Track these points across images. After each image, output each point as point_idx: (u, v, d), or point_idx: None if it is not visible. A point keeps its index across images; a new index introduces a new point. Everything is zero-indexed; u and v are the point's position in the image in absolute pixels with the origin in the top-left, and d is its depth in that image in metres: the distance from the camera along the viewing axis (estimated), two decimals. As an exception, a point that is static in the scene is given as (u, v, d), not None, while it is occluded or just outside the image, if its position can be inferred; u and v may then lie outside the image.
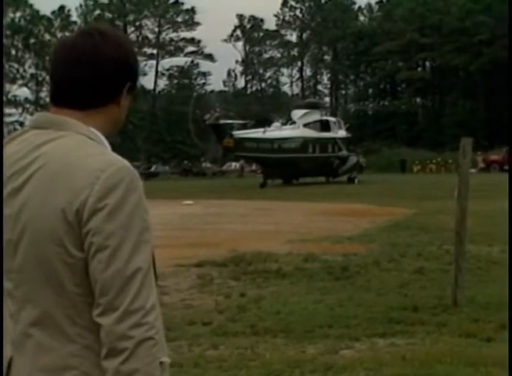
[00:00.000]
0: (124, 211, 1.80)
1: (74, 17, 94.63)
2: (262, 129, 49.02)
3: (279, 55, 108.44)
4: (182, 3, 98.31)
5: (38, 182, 1.85)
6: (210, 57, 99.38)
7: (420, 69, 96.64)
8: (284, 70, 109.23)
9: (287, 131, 49.62)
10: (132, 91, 2.04)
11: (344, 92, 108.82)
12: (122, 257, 1.78)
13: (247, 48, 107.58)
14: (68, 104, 1.96)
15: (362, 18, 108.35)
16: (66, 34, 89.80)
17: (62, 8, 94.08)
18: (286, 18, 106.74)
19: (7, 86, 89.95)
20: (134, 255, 1.79)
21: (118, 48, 1.99)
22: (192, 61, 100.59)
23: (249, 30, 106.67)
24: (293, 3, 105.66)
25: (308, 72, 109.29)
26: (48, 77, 2.06)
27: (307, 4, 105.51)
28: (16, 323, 1.89)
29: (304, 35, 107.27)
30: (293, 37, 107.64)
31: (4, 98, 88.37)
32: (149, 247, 1.84)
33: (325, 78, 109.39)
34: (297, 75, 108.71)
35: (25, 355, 1.88)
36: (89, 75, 1.95)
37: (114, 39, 2.01)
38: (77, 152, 1.86)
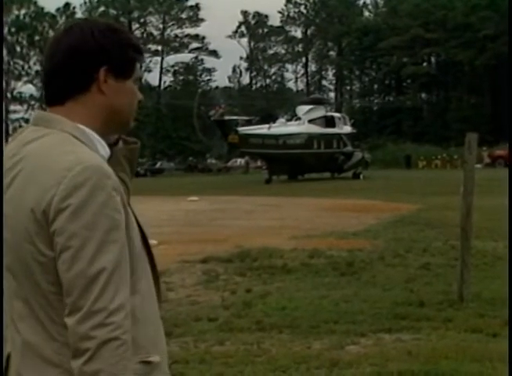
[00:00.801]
0: (89, 211, 1.78)
1: (79, 14, 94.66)
2: (267, 125, 49.01)
3: (283, 51, 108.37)
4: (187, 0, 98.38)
5: (19, 181, 1.87)
6: (214, 53, 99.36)
7: (425, 64, 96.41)
8: (289, 66, 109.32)
9: (292, 127, 49.63)
10: (123, 75, 1.98)
11: (349, 87, 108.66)
12: (85, 257, 1.77)
13: (252, 44, 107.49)
14: (50, 103, 1.98)
15: (366, 13, 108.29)
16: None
17: (67, 5, 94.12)
18: (291, 14, 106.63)
19: (12, 83, 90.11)
20: (98, 255, 1.77)
21: (79, 35, 1.95)
22: (196, 57, 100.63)
23: (253, 26, 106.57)
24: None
25: (312, 68, 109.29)
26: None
27: (311, 0, 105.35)
28: (11, 321, 1.92)
29: (309, 31, 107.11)
30: (297, 33, 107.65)
31: (9, 95, 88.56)
32: (119, 246, 1.81)
33: (330, 74, 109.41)
34: (302, 71, 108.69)
35: (16, 351, 1.91)
36: (50, 67, 1.97)
37: (80, 26, 1.98)
38: (52, 151, 1.86)
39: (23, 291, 1.88)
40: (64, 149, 1.86)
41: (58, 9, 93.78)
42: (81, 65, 1.94)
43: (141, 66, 2.14)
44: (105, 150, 1.98)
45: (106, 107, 1.97)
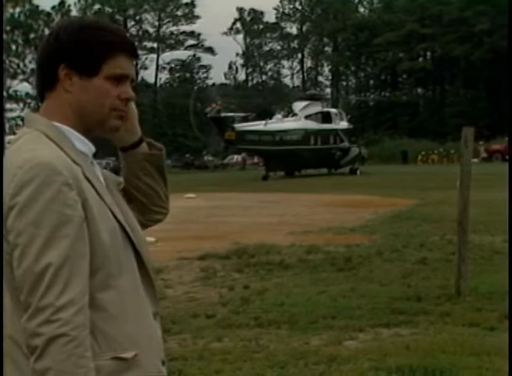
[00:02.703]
0: (35, 208, 1.79)
1: (74, 12, 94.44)
2: (264, 122, 48.96)
3: (279, 47, 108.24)
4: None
5: None
6: (210, 50, 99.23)
7: (420, 59, 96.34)
8: (285, 63, 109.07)
9: (289, 124, 49.56)
10: (86, 73, 1.96)
11: (345, 83, 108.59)
12: (31, 254, 1.78)
13: (248, 40, 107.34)
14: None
15: (362, 9, 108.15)
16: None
17: (62, 3, 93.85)
18: (286, 10, 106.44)
19: (8, 81, 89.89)
20: (44, 252, 1.78)
21: (48, 35, 2.01)
22: (194, 55, 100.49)
23: (249, 23, 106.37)
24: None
25: (308, 64, 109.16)
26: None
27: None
28: None
29: (304, 27, 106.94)
30: (293, 29, 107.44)
31: (5, 93, 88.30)
32: (69, 241, 1.81)
33: (326, 70, 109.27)
34: (298, 67, 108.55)
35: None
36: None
37: (56, 26, 2.04)
38: (18, 150, 1.90)
39: (5, 287, 1.91)
40: (26, 147, 1.89)
41: (53, 7, 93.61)
42: (46, 64, 1.99)
43: (136, 64, 2.13)
44: (88, 147, 2.01)
45: (73, 105, 1.98)
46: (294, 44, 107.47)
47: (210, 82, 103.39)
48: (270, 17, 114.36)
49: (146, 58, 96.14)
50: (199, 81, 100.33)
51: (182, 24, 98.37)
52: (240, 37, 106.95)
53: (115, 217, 1.94)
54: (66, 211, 1.81)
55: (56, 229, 1.80)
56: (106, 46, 1.97)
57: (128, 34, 2.10)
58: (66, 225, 1.81)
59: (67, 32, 1.97)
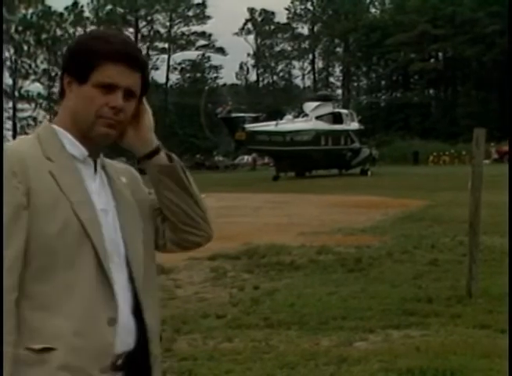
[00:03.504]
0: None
1: (87, 13, 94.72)
2: (274, 122, 48.99)
3: (290, 48, 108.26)
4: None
5: None
6: (221, 51, 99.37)
7: (432, 60, 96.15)
8: (296, 63, 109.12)
9: (299, 124, 49.57)
10: (77, 80, 2.04)
11: (356, 84, 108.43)
12: None
13: (259, 41, 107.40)
14: None
15: (373, 10, 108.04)
16: (78, 29, 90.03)
17: (75, 3, 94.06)
18: (298, 11, 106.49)
19: (20, 82, 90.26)
20: None
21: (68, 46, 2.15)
22: (203, 55, 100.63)
23: (260, 23, 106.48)
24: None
25: (319, 64, 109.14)
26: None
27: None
28: None
29: (316, 28, 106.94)
30: (304, 29, 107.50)
31: (16, 93, 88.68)
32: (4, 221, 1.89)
33: (337, 70, 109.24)
34: (309, 68, 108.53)
35: None
36: None
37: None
38: None
39: None
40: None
41: (66, 8, 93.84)
42: (62, 71, 2.10)
43: (148, 75, 2.14)
44: (79, 151, 2.07)
45: (70, 110, 2.07)
46: (305, 44, 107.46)
47: (221, 82, 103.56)
48: (281, 18, 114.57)
49: (157, 58, 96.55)
50: (210, 81, 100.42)
51: (193, 25, 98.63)
52: (251, 37, 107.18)
53: (76, 214, 1.96)
54: (6, 196, 1.90)
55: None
56: (93, 55, 2.03)
57: (132, 45, 2.10)
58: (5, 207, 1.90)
59: (74, 42, 2.11)
